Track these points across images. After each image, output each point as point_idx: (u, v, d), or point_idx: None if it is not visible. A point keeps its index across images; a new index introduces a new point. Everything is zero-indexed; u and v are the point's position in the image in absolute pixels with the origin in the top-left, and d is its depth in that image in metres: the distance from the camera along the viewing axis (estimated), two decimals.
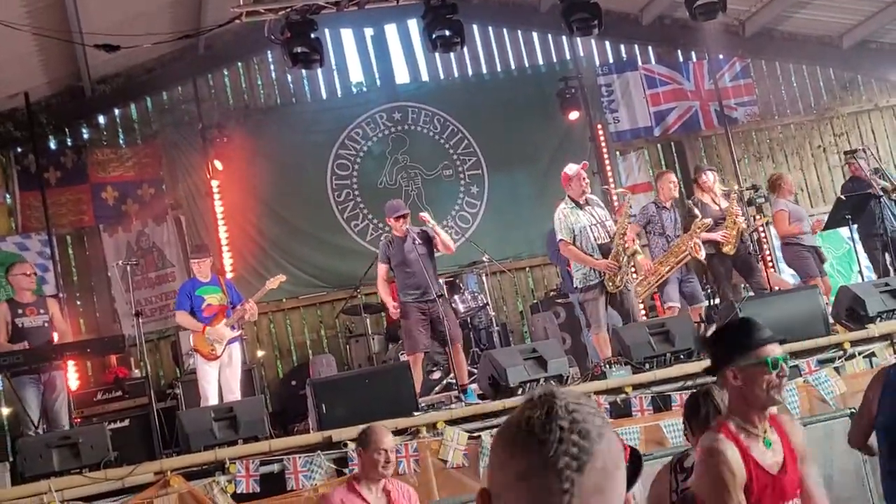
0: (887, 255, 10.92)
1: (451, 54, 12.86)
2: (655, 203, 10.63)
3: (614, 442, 1.61)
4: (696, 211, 10.27)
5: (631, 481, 3.04)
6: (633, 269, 9.85)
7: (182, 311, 9.61)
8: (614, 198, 10.30)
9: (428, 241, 9.57)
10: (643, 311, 11.49)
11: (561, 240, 9.46)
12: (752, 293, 10.48)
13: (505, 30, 15.00)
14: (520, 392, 8.20)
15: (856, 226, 10.86)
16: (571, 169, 9.61)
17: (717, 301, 10.51)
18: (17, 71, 11.84)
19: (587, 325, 9.75)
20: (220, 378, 9.56)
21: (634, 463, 3.04)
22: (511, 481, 1.55)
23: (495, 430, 7.37)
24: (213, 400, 9.28)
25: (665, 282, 10.25)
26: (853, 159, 11.50)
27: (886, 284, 9.36)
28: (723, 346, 3.58)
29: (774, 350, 3.58)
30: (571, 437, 1.54)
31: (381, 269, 9.66)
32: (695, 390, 4.60)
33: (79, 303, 12.87)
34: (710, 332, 3.82)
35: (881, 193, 10.76)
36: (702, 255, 10.06)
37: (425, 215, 9.76)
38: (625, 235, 9.37)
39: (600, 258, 9.27)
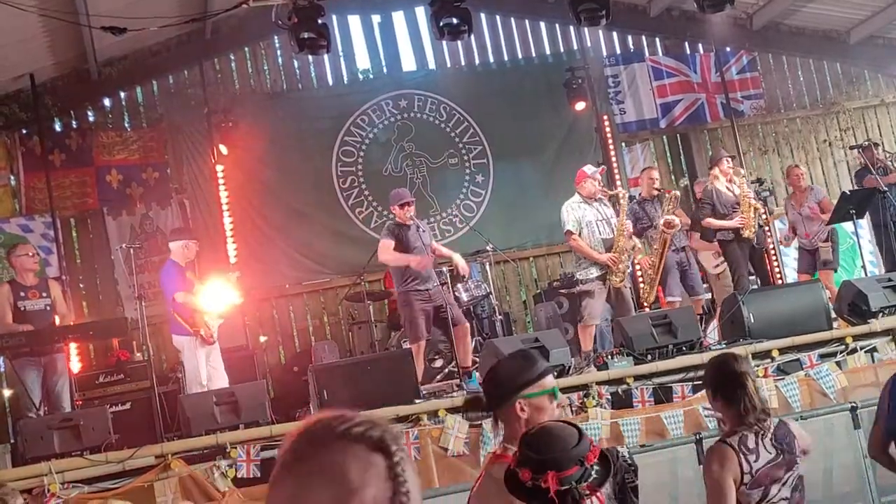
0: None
1: (459, 42, 12.83)
2: (638, 200, 10.64)
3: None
4: (713, 199, 10.43)
5: (602, 480, 3.05)
6: (635, 264, 9.95)
7: (183, 292, 9.31)
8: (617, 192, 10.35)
9: (429, 233, 9.59)
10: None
11: (567, 231, 9.66)
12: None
13: (512, 19, 14.96)
14: None
15: (866, 216, 11.05)
16: (590, 169, 9.96)
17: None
18: (23, 52, 11.82)
19: (581, 317, 9.85)
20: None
21: (604, 462, 3.04)
22: None
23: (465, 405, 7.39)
24: (205, 381, 9.17)
25: (666, 275, 10.28)
26: (870, 148, 11.83)
27: (889, 280, 9.39)
28: (507, 378, 3.53)
29: (553, 381, 3.57)
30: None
31: (388, 243, 9.48)
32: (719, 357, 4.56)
33: (82, 286, 12.90)
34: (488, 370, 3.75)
35: (885, 188, 10.89)
36: (677, 227, 10.18)
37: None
38: (625, 232, 9.53)
39: (603, 252, 9.45)
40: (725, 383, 4.24)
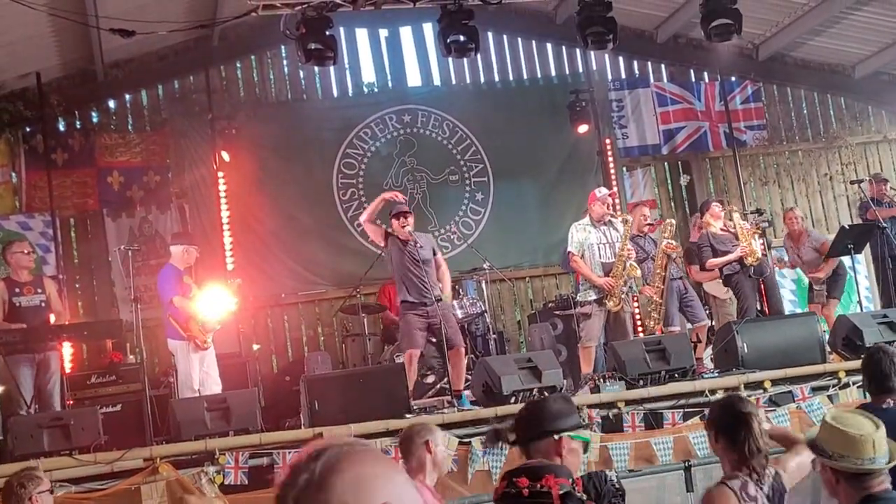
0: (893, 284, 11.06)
1: (464, 60, 12.86)
2: (630, 236, 10.65)
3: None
4: (710, 242, 10.53)
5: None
6: (633, 294, 9.97)
7: (180, 296, 9.30)
8: (618, 218, 10.33)
9: (429, 248, 9.58)
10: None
11: (569, 252, 9.73)
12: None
13: (519, 39, 15.02)
14: (512, 400, 8.21)
15: (864, 250, 11.10)
16: (601, 192, 10.12)
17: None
18: (31, 51, 11.86)
19: (579, 338, 9.88)
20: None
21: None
22: None
23: (486, 437, 7.36)
24: (197, 387, 9.13)
25: (667, 305, 10.32)
26: (872, 181, 11.95)
27: (885, 316, 9.39)
28: (555, 416, 3.68)
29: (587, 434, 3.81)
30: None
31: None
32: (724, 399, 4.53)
33: (78, 286, 12.87)
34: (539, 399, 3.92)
35: (885, 224, 10.94)
36: (679, 250, 10.37)
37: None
38: (623, 257, 9.55)
39: (602, 276, 9.48)
40: (730, 424, 4.14)
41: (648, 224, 10.82)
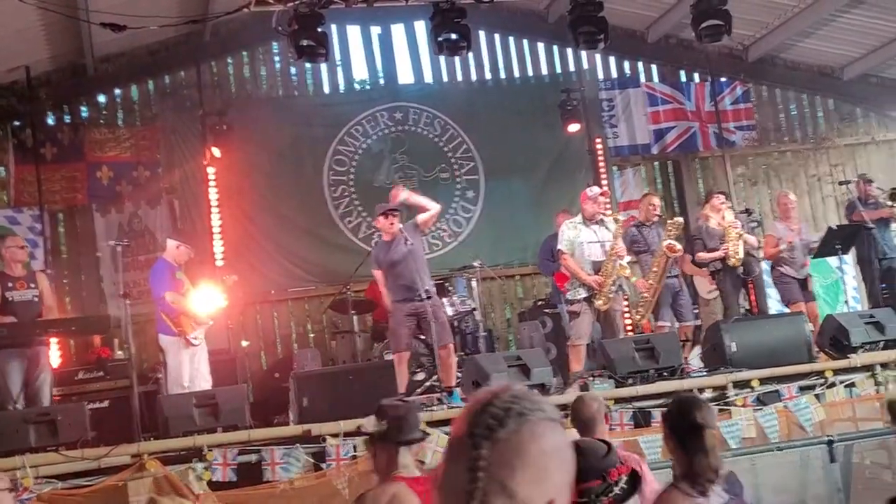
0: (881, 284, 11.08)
1: (456, 58, 12.89)
2: (636, 224, 10.74)
3: (542, 435, 1.65)
4: (703, 234, 10.65)
5: (625, 497, 3.04)
6: (622, 293, 9.92)
7: (172, 292, 9.28)
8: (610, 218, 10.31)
9: (417, 236, 9.51)
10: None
11: (560, 251, 9.69)
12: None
13: (511, 38, 15.03)
14: None
15: (851, 251, 11.09)
16: (592, 191, 10.01)
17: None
18: (20, 44, 11.81)
19: (568, 336, 9.86)
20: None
21: (633, 481, 3.05)
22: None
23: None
24: (187, 383, 9.14)
25: (658, 302, 10.33)
26: (859, 182, 11.98)
27: (871, 316, 9.43)
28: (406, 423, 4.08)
29: None
30: (491, 410, 1.65)
31: (378, 275, 9.61)
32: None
33: (66, 281, 12.84)
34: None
35: (872, 225, 10.95)
36: (680, 253, 10.32)
37: (398, 191, 9.75)
38: (613, 256, 9.51)
39: (592, 274, 9.45)
40: (683, 431, 4.00)
41: (658, 214, 10.80)
